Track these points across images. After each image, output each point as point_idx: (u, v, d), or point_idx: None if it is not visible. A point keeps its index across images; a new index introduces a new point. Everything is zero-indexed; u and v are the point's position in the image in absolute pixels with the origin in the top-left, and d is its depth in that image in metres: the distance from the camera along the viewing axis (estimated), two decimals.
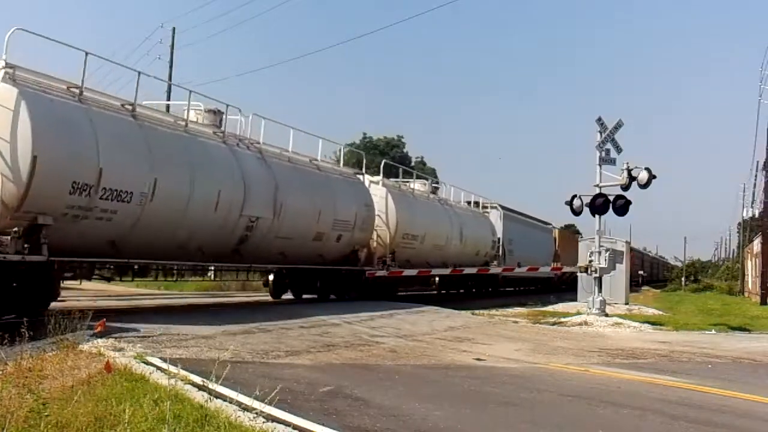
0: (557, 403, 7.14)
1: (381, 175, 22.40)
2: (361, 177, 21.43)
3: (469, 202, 31.21)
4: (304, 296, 19.67)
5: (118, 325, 9.55)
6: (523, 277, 34.80)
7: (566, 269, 36.82)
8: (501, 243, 31.13)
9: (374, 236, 20.81)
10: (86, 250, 11.38)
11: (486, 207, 32.20)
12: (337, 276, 19.10)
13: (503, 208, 33.32)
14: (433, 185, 27.73)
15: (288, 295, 19.76)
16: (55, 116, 10.40)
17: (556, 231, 43.44)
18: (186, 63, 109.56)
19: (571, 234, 47.79)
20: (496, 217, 31.88)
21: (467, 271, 26.65)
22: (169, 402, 4.97)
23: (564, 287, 41.62)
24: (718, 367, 10.14)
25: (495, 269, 29.76)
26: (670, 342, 13.39)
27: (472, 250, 28.25)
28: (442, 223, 25.39)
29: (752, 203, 53.65)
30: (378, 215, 20.80)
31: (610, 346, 12.39)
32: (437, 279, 27.59)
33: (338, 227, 18.15)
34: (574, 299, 23.28)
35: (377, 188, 21.52)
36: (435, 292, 28.50)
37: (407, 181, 25.40)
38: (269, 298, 19.66)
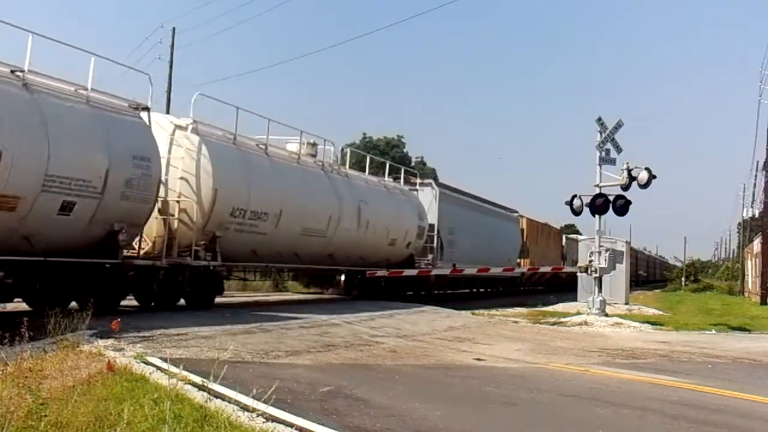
0: (557, 403, 7.14)
1: (190, 115, 14.21)
2: (145, 114, 12.93)
3: (396, 177, 23.76)
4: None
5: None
6: (473, 276, 28.00)
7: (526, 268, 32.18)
8: (436, 232, 23.80)
9: (176, 211, 13.56)
10: None
11: (414, 183, 24.89)
12: (78, 274, 11.55)
13: (440, 185, 26.16)
14: (313, 142, 18.93)
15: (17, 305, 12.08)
16: None
17: (524, 220, 35.50)
18: (186, 63, 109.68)
19: (544, 225, 40.30)
20: (429, 197, 24.20)
21: (379, 273, 20.61)
22: (169, 402, 4.97)
23: (538, 290, 36.36)
24: (718, 367, 10.14)
25: (410, 270, 22.23)
26: (670, 342, 13.39)
27: (384, 240, 20.63)
28: (321, 197, 17.60)
29: (752, 203, 53.71)
30: (183, 177, 13.65)
31: (610, 346, 12.39)
32: (342, 277, 21.50)
33: (59, 188, 10.48)
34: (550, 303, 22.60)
35: (184, 136, 13.90)
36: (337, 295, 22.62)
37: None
38: (269, 298, 19.48)
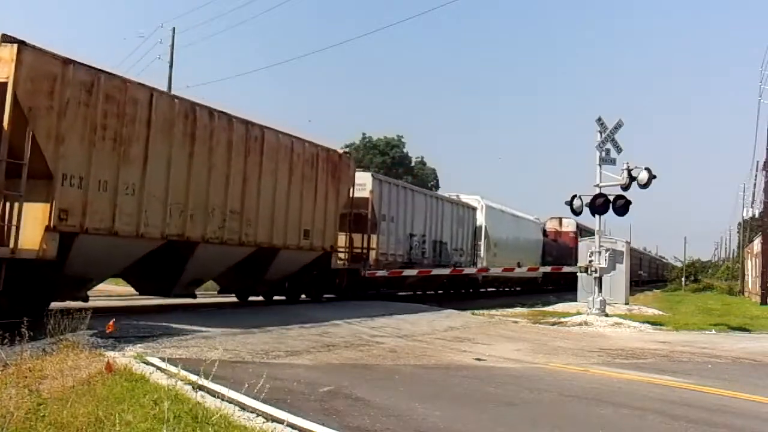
0: (557, 403, 7.14)
1: None
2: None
3: None
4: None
5: (119, 325, 9.53)
6: None
7: None
8: None
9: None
10: None
11: None
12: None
13: None
14: None
15: None
16: None
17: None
18: (185, 63, 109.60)
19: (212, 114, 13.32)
20: None
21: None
22: (169, 402, 4.97)
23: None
24: (718, 367, 10.14)
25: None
26: (670, 342, 13.40)
27: None
28: None
29: (752, 203, 53.75)
30: None
31: (611, 346, 12.39)
32: None
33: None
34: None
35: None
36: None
37: None
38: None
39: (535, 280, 35.03)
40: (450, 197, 26.56)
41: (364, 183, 19.49)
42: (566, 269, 30.22)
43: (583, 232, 41.79)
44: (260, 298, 16.99)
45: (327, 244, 16.93)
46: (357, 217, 18.94)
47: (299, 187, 15.83)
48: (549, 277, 36.25)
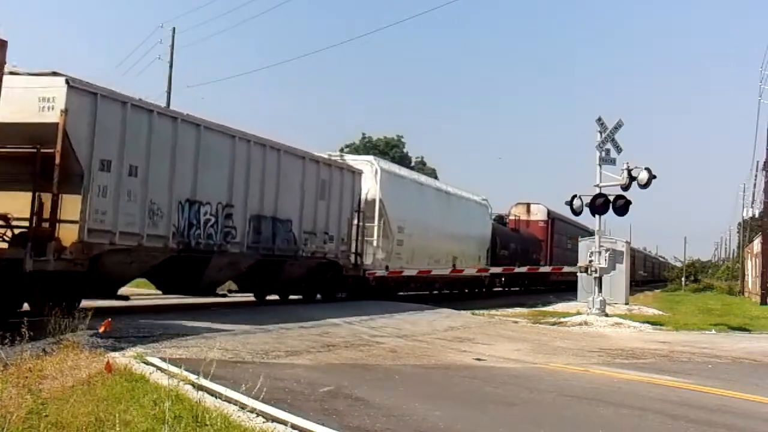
0: (557, 403, 7.14)
1: None
2: None
3: None
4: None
5: (119, 325, 9.54)
6: None
7: None
8: None
9: None
10: None
11: None
12: None
13: None
14: None
15: None
16: None
17: None
18: (185, 63, 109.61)
19: None
20: None
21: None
22: (168, 402, 4.97)
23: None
24: (718, 367, 10.15)
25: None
26: (670, 342, 13.40)
27: None
28: None
29: (752, 203, 53.75)
30: None
31: (611, 346, 12.40)
32: None
33: None
34: None
35: None
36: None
37: None
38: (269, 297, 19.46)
39: (481, 280, 27.66)
40: (300, 149, 16.20)
41: (50, 96, 9.84)
42: (492, 270, 26.14)
43: (556, 221, 35.73)
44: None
45: None
46: (30, 160, 10.13)
47: None
48: (510, 278, 31.09)
